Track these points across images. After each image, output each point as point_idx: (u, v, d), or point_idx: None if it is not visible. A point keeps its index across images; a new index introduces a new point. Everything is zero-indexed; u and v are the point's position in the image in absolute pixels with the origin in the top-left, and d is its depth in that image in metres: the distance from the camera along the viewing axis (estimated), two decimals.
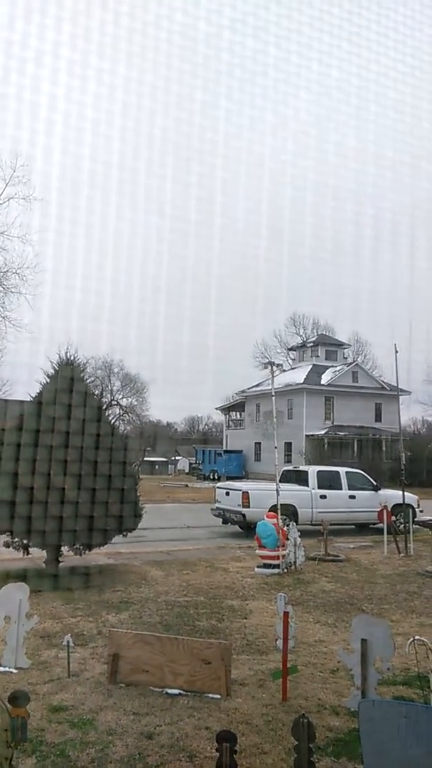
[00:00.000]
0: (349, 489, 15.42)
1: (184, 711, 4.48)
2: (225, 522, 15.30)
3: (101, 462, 8.33)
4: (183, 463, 53.68)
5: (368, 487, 15.74)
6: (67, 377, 8.79)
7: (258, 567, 9.98)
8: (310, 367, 42.38)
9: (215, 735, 3.54)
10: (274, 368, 26.56)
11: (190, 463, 51.90)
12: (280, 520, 10.60)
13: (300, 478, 15.70)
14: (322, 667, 5.52)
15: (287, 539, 10.14)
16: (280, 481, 11.68)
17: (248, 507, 14.08)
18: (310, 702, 4.74)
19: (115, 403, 46.69)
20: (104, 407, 10.09)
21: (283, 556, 9.91)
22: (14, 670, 5.16)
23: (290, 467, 18.24)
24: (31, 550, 8.93)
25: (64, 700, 4.60)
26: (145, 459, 46.66)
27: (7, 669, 5.17)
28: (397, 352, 13.24)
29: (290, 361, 50.65)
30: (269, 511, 11.64)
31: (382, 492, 15.51)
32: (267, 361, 48.28)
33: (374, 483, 16.02)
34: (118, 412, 44.47)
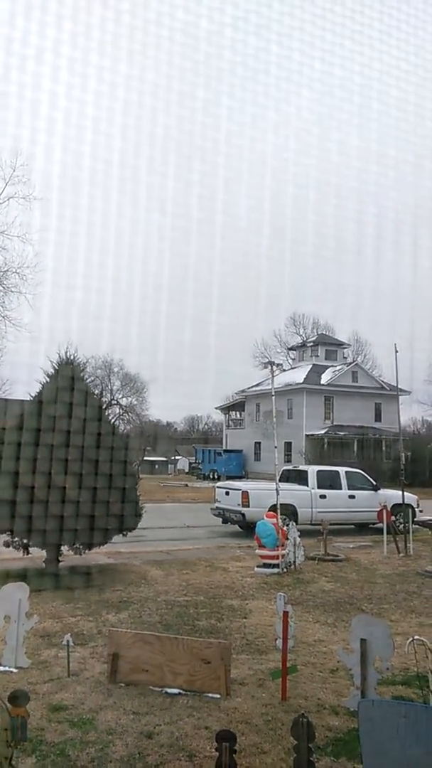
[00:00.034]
0: (349, 489, 15.42)
1: (183, 710, 4.48)
2: (225, 521, 15.31)
3: (101, 461, 8.34)
4: (183, 463, 53.67)
5: (368, 486, 15.74)
6: (67, 376, 8.79)
7: (258, 566, 9.98)
8: (310, 366, 42.38)
9: (215, 734, 3.54)
10: (274, 368, 26.54)
11: (190, 463, 51.89)
12: (280, 520, 10.60)
13: (300, 477, 15.71)
14: (322, 667, 5.52)
15: (287, 539, 10.14)
16: (280, 481, 11.68)
17: (248, 506, 14.09)
18: (310, 702, 4.75)
19: (115, 402, 46.69)
20: (104, 407, 10.10)
21: (283, 555, 9.91)
22: (14, 670, 5.17)
23: (290, 467, 18.24)
24: (31, 549, 8.93)
25: (64, 700, 4.61)
26: (145, 458, 46.66)
27: (7, 668, 5.17)
28: (397, 351, 13.26)
29: (290, 361, 50.65)
30: (269, 510, 11.64)
31: (382, 492, 15.51)
32: (267, 360, 48.26)
33: (374, 483, 16.02)
34: (118, 411, 44.48)
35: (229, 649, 5.00)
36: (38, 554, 9.11)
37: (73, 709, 4.45)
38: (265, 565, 9.92)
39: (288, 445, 38.55)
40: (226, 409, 52.08)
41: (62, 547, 8.78)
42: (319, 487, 15.09)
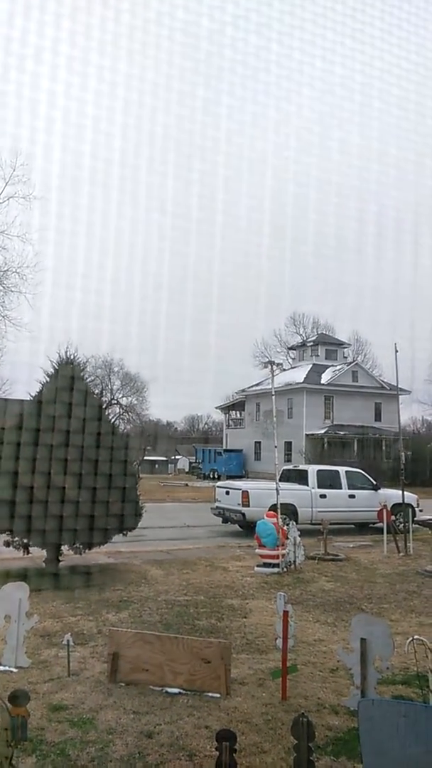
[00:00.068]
0: (349, 488, 15.42)
1: (183, 710, 4.48)
2: (225, 521, 15.31)
3: (101, 461, 8.34)
4: (183, 462, 53.66)
5: (368, 486, 15.74)
6: (67, 376, 8.79)
7: (258, 566, 9.99)
8: (310, 366, 42.37)
9: (215, 734, 3.54)
10: (274, 367, 26.53)
11: (190, 462, 51.89)
12: (280, 519, 10.61)
13: (300, 477, 15.71)
14: (322, 667, 5.52)
15: (287, 538, 10.14)
16: (280, 481, 11.69)
17: (248, 506, 14.09)
18: (310, 701, 4.75)
19: (115, 402, 46.70)
20: (104, 406, 10.10)
21: (283, 555, 9.92)
22: (14, 669, 5.17)
23: (290, 466, 18.24)
24: (31, 549, 8.94)
25: (64, 699, 4.61)
26: (145, 458, 46.67)
27: (7, 668, 5.18)
28: (397, 351, 13.27)
29: (290, 361, 50.64)
30: (269, 510, 11.65)
31: (382, 491, 15.52)
32: (267, 360, 48.19)
33: (374, 482, 16.02)
34: (118, 411, 44.49)
35: (229, 649, 5.00)
36: (38, 554, 9.11)
37: (74, 709, 4.45)
38: (265, 565, 9.92)
39: (288, 445, 38.55)
40: (227, 408, 52.08)
41: (62, 547, 8.79)
42: (319, 487, 15.09)
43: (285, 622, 5.04)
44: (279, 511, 10.72)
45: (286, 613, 5.10)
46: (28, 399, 8.95)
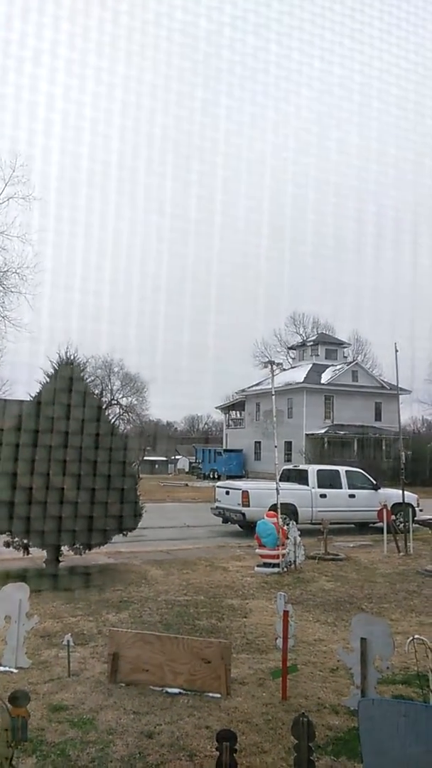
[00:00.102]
0: (349, 488, 15.42)
1: (184, 710, 4.48)
2: (225, 521, 15.31)
3: (101, 462, 8.33)
4: (183, 463, 53.66)
5: (368, 486, 15.74)
6: (67, 377, 8.79)
7: (258, 566, 9.99)
8: (310, 366, 42.36)
9: (215, 734, 3.54)
10: (274, 367, 26.54)
11: (190, 463, 51.88)
12: (280, 519, 10.61)
13: (300, 477, 15.71)
14: (322, 666, 5.52)
15: (287, 538, 10.14)
16: (280, 480, 11.69)
17: (248, 506, 14.09)
18: (310, 701, 4.75)
19: (115, 402, 46.71)
20: (104, 407, 10.09)
21: (283, 555, 9.92)
22: (14, 670, 5.17)
23: (290, 466, 18.24)
24: (31, 549, 8.93)
25: (65, 700, 4.61)
26: (145, 458, 46.67)
27: (7, 669, 5.18)
28: (397, 351, 13.26)
29: (290, 360, 50.63)
30: (269, 510, 11.65)
31: (382, 491, 15.51)
32: (267, 360, 48.19)
33: (374, 482, 16.02)
34: (118, 411, 44.50)
35: (230, 649, 5.00)
36: (38, 554, 9.11)
37: (74, 709, 4.45)
38: (266, 565, 9.92)
39: (288, 445, 38.54)
40: (226, 408, 52.07)
41: (62, 548, 8.78)
42: (319, 487, 15.09)
43: (285, 621, 5.04)
44: (279, 510, 10.72)
45: (286, 612, 5.10)
46: (29, 400, 8.95)
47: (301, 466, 17.90)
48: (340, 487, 15.36)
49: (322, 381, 40.79)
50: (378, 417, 40.75)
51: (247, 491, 14.42)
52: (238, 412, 50.89)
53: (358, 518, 15.50)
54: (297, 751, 3.43)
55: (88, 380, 9.80)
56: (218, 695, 4.73)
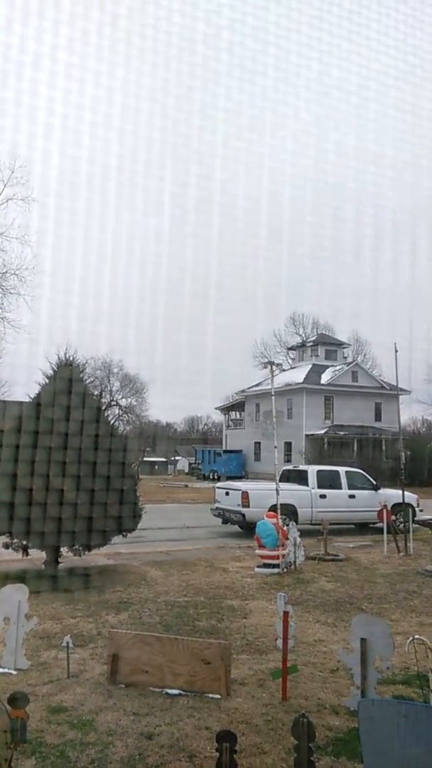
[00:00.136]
0: (349, 488, 15.41)
1: (184, 711, 4.47)
2: (225, 522, 15.29)
3: (100, 463, 8.32)
4: (182, 463, 53.68)
5: (368, 486, 15.73)
6: (66, 378, 8.78)
7: (258, 567, 9.97)
8: (310, 366, 42.37)
9: (215, 735, 3.54)
10: (274, 368, 26.56)
11: (190, 463, 51.89)
12: (280, 520, 10.60)
13: (300, 477, 15.69)
14: (322, 667, 5.51)
15: (287, 539, 10.13)
16: (280, 481, 11.68)
17: (248, 507, 14.07)
18: (310, 701, 4.74)
19: (115, 403, 46.69)
20: (103, 408, 10.09)
21: (283, 555, 9.91)
22: (14, 672, 5.16)
23: (290, 467, 18.24)
24: (30, 551, 8.92)
25: (64, 701, 4.60)
26: (145, 459, 46.67)
27: (6, 670, 5.16)
28: (397, 351, 13.26)
29: (290, 361, 50.66)
30: (269, 510, 11.63)
31: (382, 491, 15.50)
32: (266, 360, 48.26)
33: (374, 482, 16.01)
34: (117, 412, 44.47)
35: (229, 650, 4.99)
36: (37, 556, 9.10)
37: (73, 711, 4.44)
38: (265, 565, 9.91)
39: (288, 445, 38.54)
40: (226, 409, 52.07)
41: (61, 549, 8.77)
42: (319, 487, 15.08)
43: (285, 622, 5.03)
44: (279, 511, 10.71)
45: (286, 613, 5.09)
46: (28, 401, 8.94)
47: (301, 467, 17.90)
48: (340, 488, 15.35)
49: (322, 381, 40.80)
50: (378, 417, 40.76)
51: (247, 492, 14.41)
52: (237, 413, 50.90)
53: (358, 519, 15.49)
54: (297, 752, 3.42)
55: (87, 381, 9.78)
56: (218, 696, 4.72)
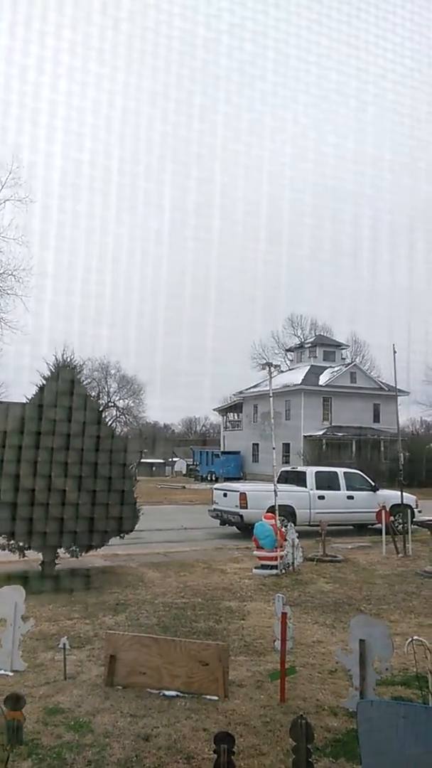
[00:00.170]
0: (348, 489, 15.39)
1: (181, 713, 4.45)
2: (223, 523, 15.27)
3: (98, 464, 8.30)
4: (180, 465, 53.62)
5: (366, 487, 15.71)
6: (65, 379, 8.75)
7: (256, 568, 9.95)
8: (308, 367, 42.39)
9: (213, 736, 3.51)
10: (272, 369, 26.57)
11: (188, 465, 51.84)
12: (278, 521, 10.58)
13: (298, 478, 15.68)
14: (321, 668, 5.49)
15: (285, 540, 10.11)
16: (278, 482, 11.66)
17: (246, 508, 14.06)
18: (309, 703, 4.72)
19: (112, 404, 46.63)
20: (101, 409, 10.06)
21: (281, 557, 9.89)
22: (10, 673, 5.13)
23: (288, 468, 18.23)
24: (27, 552, 8.88)
25: (61, 703, 4.57)
26: (143, 461, 46.60)
27: (3, 672, 5.14)
28: (395, 352, 13.26)
29: (288, 362, 50.67)
30: (267, 511, 11.61)
31: (381, 492, 15.49)
32: (265, 362, 48.31)
33: (372, 483, 15.99)
34: (115, 413, 44.44)
35: (227, 651, 4.97)
36: (34, 557, 9.06)
37: (70, 712, 4.41)
38: (264, 567, 9.89)
39: (286, 447, 38.53)
40: (224, 410, 52.06)
41: (58, 550, 8.74)
42: (317, 488, 15.06)
43: (283, 623, 5.01)
44: (277, 512, 10.69)
45: (284, 614, 5.07)
46: (25, 402, 8.90)
47: (299, 468, 17.88)
48: (339, 489, 15.34)
49: (320, 383, 40.81)
50: (376, 418, 40.78)
51: (245, 493, 14.39)
52: (235, 414, 50.88)
53: (356, 520, 15.48)
54: (295, 753, 3.40)
55: (84, 383, 9.76)
56: (216, 698, 4.69)
